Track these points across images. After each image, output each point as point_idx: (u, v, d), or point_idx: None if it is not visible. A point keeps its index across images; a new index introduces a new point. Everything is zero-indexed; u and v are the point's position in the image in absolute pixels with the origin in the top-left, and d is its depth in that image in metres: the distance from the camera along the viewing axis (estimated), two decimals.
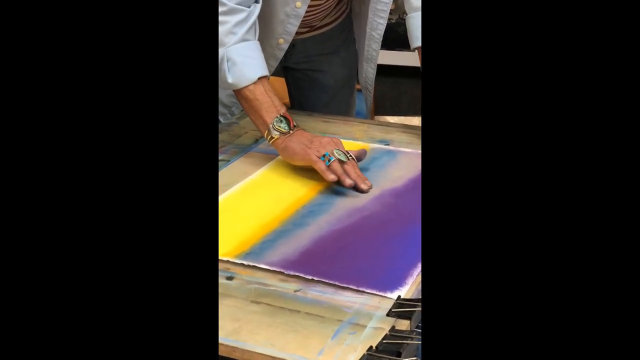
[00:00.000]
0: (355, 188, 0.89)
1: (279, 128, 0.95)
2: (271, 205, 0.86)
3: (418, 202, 0.84)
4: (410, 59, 2.33)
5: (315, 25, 1.22)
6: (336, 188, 0.89)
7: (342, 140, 0.97)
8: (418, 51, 1.10)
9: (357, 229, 0.79)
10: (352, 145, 1.03)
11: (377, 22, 1.14)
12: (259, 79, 0.97)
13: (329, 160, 0.90)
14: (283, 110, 0.97)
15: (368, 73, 1.22)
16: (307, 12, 1.12)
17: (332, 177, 0.88)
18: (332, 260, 0.73)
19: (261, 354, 0.59)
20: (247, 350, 0.60)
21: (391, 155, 1.01)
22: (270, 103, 0.96)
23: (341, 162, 0.91)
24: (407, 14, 1.11)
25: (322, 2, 1.14)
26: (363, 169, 0.94)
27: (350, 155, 0.92)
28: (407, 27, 1.11)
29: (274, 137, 0.95)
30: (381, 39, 1.16)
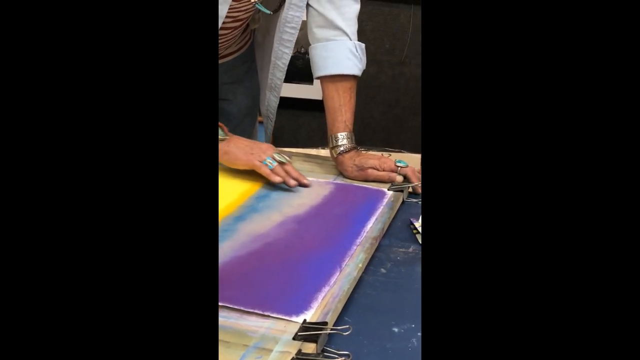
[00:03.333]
0: (300, 185, 1.01)
1: None
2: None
3: (320, 229, 0.87)
4: (309, 91, 2.37)
5: (219, 54, 1.22)
6: (238, 214, 0.89)
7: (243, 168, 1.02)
8: (320, 81, 1.13)
9: (261, 255, 0.79)
10: (255, 174, 1.03)
11: (282, 52, 1.16)
12: None
13: (272, 164, 0.99)
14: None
15: (271, 102, 1.23)
16: None
17: (277, 179, 0.98)
18: (236, 285, 0.72)
19: None
20: None
21: None
22: None
23: (281, 164, 1.00)
24: (310, 45, 1.13)
25: (227, 32, 1.14)
26: (265, 196, 0.95)
27: (287, 158, 1.02)
28: (310, 57, 1.14)
29: None
30: (286, 68, 1.18)
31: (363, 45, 1.13)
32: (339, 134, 1.09)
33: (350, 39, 1.11)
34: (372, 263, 0.81)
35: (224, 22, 1.10)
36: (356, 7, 1.12)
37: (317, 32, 1.12)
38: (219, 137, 1.03)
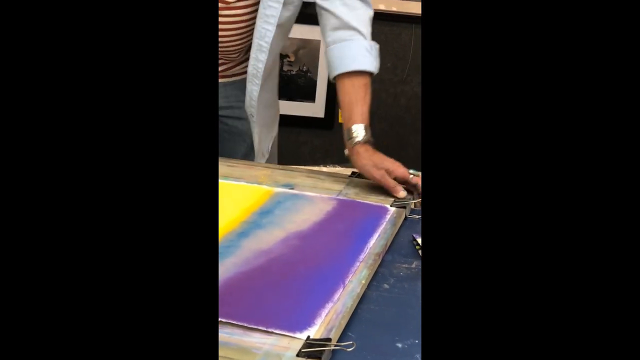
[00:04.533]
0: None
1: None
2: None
3: (323, 245, 0.87)
4: (310, 109, 2.38)
5: (235, 60, 1.23)
6: (241, 231, 0.89)
7: (246, 185, 1.02)
8: (336, 81, 1.13)
9: (264, 271, 0.79)
10: (258, 190, 1.03)
11: (265, 29, 1.15)
12: None
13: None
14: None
15: (252, 93, 1.22)
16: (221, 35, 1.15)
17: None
18: (239, 301, 0.72)
19: None
20: None
21: (295, 198, 1.02)
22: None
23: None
24: (326, 48, 1.15)
25: (227, 24, 1.15)
26: (268, 212, 0.95)
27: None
28: (327, 60, 1.15)
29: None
30: (269, 48, 1.17)
31: (378, 46, 1.14)
32: (354, 126, 1.08)
33: (365, 39, 1.11)
34: (375, 279, 0.81)
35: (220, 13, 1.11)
36: (370, 12, 1.14)
37: (332, 34, 1.13)
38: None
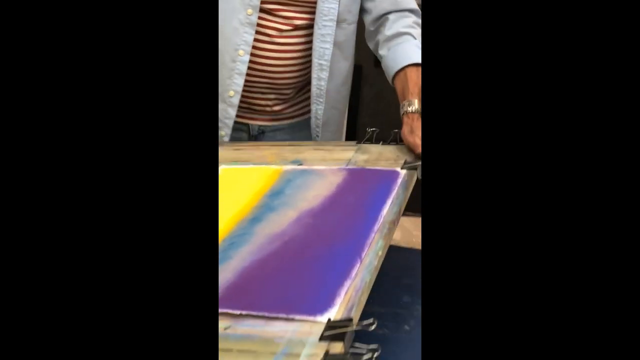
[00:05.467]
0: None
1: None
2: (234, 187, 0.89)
3: (336, 220, 0.86)
4: None
5: (288, 97, 1.25)
6: (253, 216, 0.89)
7: (255, 167, 1.02)
8: (393, 80, 1.15)
9: (280, 256, 0.79)
10: (266, 171, 1.03)
11: (323, 49, 1.18)
12: None
13: None
14: None
15: (317, 112, 1.25)
16: (273, 67, 1.18)
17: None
18: (258, 291, 0.72)
19: None
20: None
21: (305, 174, 1.01)
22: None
23: None
24: (380, 54, 1.19)
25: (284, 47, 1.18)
26: (279, 193, 0.94)
27: None
28: (383, 67, 1.19)
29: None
30: (329, 66, 1.20)
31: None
32: (406, 100, 1.09)
33: (415, 38, 1.15)
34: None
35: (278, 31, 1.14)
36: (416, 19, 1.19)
37: (385, 44, 1.16)
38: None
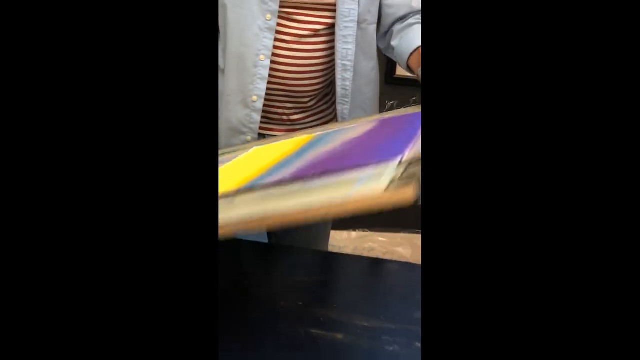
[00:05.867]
0: None
1: None
2: (271, 151, 0.91)
3: (382, 134, 0.89)
4: None
5: (306, 106, 1.26)
6: (297, 152, 0.92)
7: (284, 141, 1.05)
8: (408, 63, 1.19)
9: (340, 153, 0.82)
10: (296, 140, 1.06)
11: (346, 50, 1.19)
12: None
13: None
14: None
15: (343, 113, 1.26)
16: (294, 77, 1.19)
17: None
18: (329, 161, 0.75)
19: (293, 211, 0.60)
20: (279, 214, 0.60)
21: (336, 133, 1.04)
22: None
23: None
24: (390, 46, 1.23)
25: (304, 47, 1.19)
26: (318, 140, 0.98)
27: None
28: (396, 56, 1.22)
29: None
30: (353, 65, 1.22)
31: None
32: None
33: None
34: None
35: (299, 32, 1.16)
36: None
37: (398, 35, 1.21)
38: None
